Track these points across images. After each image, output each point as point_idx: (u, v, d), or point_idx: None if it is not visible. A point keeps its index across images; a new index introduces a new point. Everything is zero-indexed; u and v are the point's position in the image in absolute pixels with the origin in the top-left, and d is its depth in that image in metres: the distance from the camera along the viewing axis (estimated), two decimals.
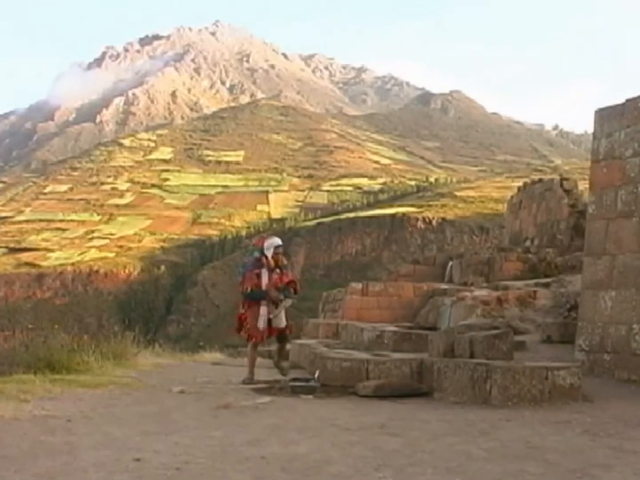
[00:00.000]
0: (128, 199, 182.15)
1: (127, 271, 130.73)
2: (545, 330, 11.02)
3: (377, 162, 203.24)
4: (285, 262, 9.00)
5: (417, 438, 5.26)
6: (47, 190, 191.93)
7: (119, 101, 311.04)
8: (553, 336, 10.71)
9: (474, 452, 4.83)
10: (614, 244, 8.70)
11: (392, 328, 11.97)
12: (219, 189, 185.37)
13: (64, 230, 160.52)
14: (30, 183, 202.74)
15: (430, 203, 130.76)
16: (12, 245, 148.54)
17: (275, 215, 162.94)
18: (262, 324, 8.69)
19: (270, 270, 8.74)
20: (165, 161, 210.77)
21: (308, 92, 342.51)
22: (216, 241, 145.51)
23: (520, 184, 25.85)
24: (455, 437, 5.32)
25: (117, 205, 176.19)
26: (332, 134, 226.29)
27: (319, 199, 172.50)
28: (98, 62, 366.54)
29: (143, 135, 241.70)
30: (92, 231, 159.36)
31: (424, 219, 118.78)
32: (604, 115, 9.16)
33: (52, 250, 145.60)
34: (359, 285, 17.33)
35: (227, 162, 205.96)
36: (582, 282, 9.33)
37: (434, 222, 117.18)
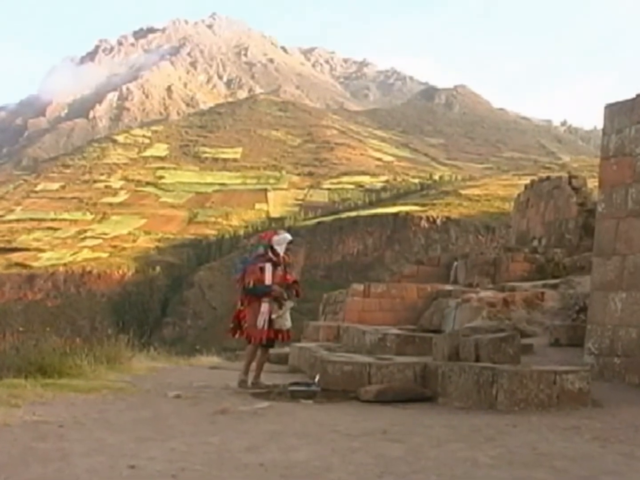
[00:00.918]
0: (122, 197, 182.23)
1: (121, 272, 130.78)
2: (553, 333, 11.02)
3: (379, 159, 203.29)
4: (291, 260, 8.64)
5: (421, 444, 5.26)
6: (38, 188, 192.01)
7: (112, 96, 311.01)
8: (561, 339, 10.71)
9: (479, 459, 4.83)
10: (625, 243, 8.69)
11: (395, 331, 11.96)
12: (216, 187, 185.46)
13: (55, 229, 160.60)
14: (20, 181, 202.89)
15: (434, 201, 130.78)
16: (2, 245, 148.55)
17: (274, 214, 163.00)
18: (262, 322, 8.20)
19: (275, 266, 8.31)
20: (160, 158, 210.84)
21: (308, 87, 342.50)
22: (213, 241, 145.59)
23: (528, 181, 25.83)
24: (460, 443, 5.32)
25: (110, 204, 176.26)
26: (332, 130, 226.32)
27: (320, 197, 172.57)
28: (91, 56, 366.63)
29: (137, 131, 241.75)
30: (85, 231, 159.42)
31: (427, 218, 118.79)
32: (614, 111, 9.16)
33: (43, 251, 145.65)
34: (361, 287, 17.32)
35: (225, 159, 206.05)
36: (592, 283, 9.33)
37: (438, 222, 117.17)
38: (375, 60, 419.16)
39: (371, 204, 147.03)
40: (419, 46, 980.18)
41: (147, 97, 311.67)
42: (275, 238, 8.44)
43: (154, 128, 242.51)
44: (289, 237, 8.59)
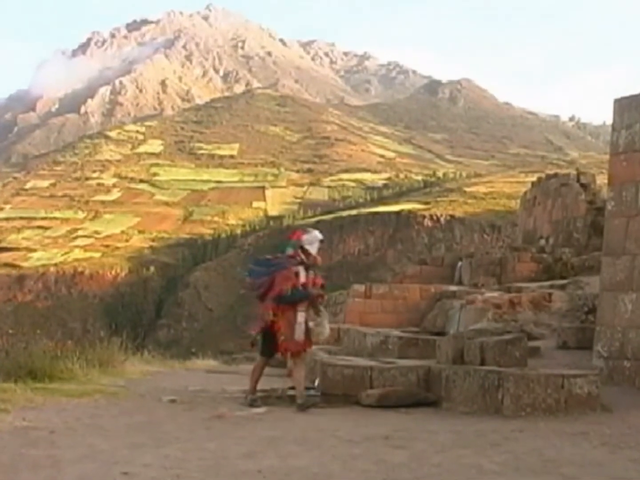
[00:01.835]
0: (115, 195, 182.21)
1: (113, 272, 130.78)
2: (561, 335, 11.03)
3: (381, 155, 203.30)
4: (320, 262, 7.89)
5: (424, 450, 5.26)
6: (28, 186, 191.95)
7: (105, 91, 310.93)
8: (569, 342, 10.71)
9: (484, 466, 4.84)
10: (635, 242, 8.69)
11: (398, 333, 11.96)
12: (212, 185, 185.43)
13: (46, 228, 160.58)
14: (10, 178, 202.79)
15: (438, 199, 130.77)
16: None
17: (272, 212, 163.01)
18: (300, 333, 7.49)
19: (307, 269, 7.64)
20: (154, 155, 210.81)
21: (307, 81, 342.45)
22: (209, 240, 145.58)
23: (534, 178, 25.87)
24: (465, 449, 5.32)
25: (103, 202, 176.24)
26: (333, 125, 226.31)
27: (319, 195, 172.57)
28: (83, 48, 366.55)
29: (131, 127, 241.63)
30: (77, 230, 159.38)
31: (431, 216, 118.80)
32: (624, 105, 9.15)
33: (33, 250, 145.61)
34: (362, 287, 17.32)
35: (221, 156, 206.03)
36: (601, 283, 9.33)
37: (442, 220, 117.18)
38: (376, 53, 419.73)
39: (373, 202, 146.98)
40: (422, 38, 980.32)
41: (140, 91, 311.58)
42: (306, 237, 7.79)
43: (147, 123, 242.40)
44: (319, 235, 7.96)
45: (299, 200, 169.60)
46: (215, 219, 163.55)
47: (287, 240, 7.99)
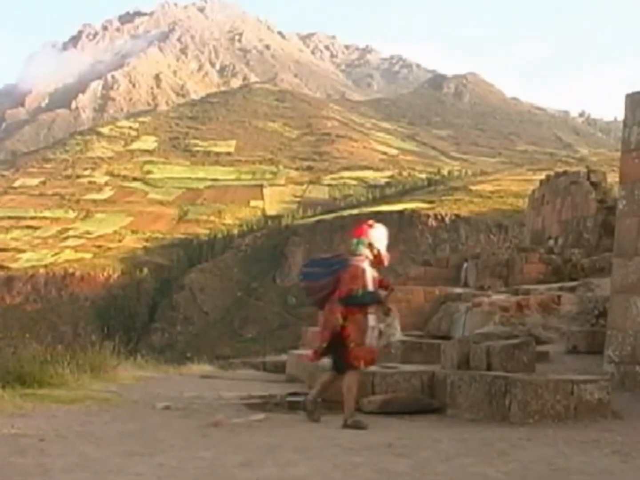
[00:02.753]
0: (107, 193, 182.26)
1: (105, 274, 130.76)
2: (570, 339, 11.03)
3: (383, 152, 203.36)
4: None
5: (428, 459, 5.26)
6: (16, 184, 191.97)
7: (96, 85, 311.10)
8: (579, 346, 10.71)
9: (491, 475, 4.84)
10: None
11: (400, 337, 11.96)
12: (208, 183, 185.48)
13: (35, 228, 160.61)
14: None
15: (443, 198, 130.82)
16: None
17: (271, 211, 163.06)
18: (373, 339, 6.99)
19: (372, 268, 7.13)
20: (148, 152, 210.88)
21: (307, 75, 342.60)
22: (205, 240, 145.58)
23: (543, 176, 25.89)
24: (471, 458, 5.32)
25: (94, 201, 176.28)
26: (333, 121, 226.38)
27: (319, 193, 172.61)
28: (74, 41, 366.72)
29: (124, 122, 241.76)
30: (67, 229, 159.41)
31: (435, 215, 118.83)
32: (636, 101, 9.15)
33: (22, 251, 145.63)
34: None
35: (217, 153, 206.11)
36: (612, 285, 9.33)
37: (446, 220, 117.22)
38: (379, 47, 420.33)
39: (375, 201, 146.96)
40: (426, 31, 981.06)
41: (134, 86, 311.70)
42: (373, 232, 7.27)
43: (141, 119, 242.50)
44: (385, 230, 7.45)
45: (298, 199, 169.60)
46: (211, 218, 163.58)
47: (358, 237, 7.27)
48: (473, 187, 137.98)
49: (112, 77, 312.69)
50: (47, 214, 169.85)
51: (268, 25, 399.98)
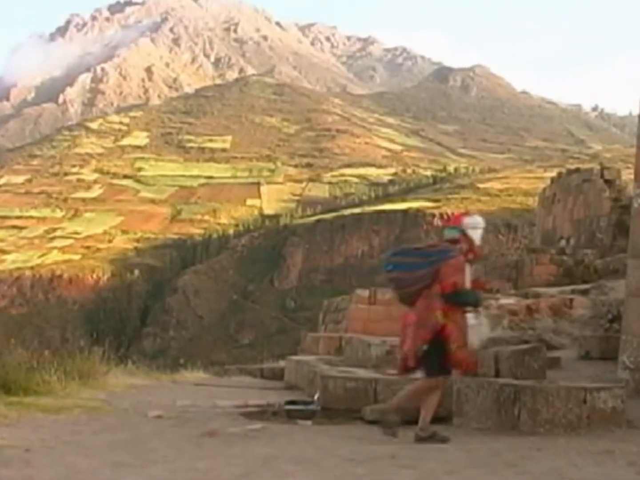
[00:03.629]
0: (96, 192, 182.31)
1: (95, 276, 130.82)
2: (583, 344, 11.03)
3: (386, 148, 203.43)
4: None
5: (433, 470, 5.25)
6: (1, 182, 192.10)
7: (85, 78, 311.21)
8: (592, 352, 10.71)
9: None
10: None
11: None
12: (203, 181, 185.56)
13: (21, 228, 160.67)
14: None
15: (449, 197, 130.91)
16: None
17: (268, 210, 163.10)
18: (474, 340, 6.63)
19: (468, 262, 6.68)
20: (139, 148, 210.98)
21: (306, 68, 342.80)
22: (199, 241, 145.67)
23: (554, 174, 25.92)
24: (478, 469, 5.32)
25: (83, 200, 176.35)
26: (334, 116, 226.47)
27: (319, 192, 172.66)
28: (61, 32, 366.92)
29: (114, 117, 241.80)
30: (54, 229, 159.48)
31: (441, 215, 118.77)
32: None
33: (7, 252, 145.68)
34: (366, 293, 17.33)
35: (212, 149, 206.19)
36: (627, 288, 9.32)
37: None
38: (382, 37, 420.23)
39: (377, 200, 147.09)
40: (431, 21, 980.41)
41: (124, 78, 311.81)
42: (468, 221, 6.79)
43: (132, 114, 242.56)
44: (482, 221, 6.95)
45: (297, 198, 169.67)
46: (206, 218, 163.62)
47: (451, 226, 6.91)
48: (481, 185, 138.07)
49: (102, 69, 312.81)
50: (33, 213, 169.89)
51: (265, 14, 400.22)
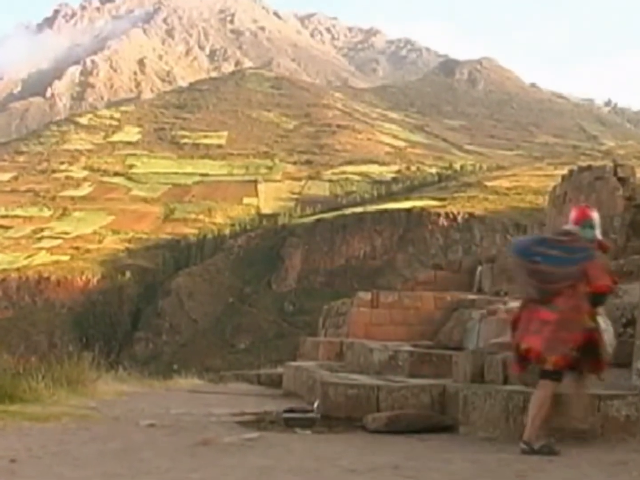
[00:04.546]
0: (86, 190, 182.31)
1: (84, 278, 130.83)
2: None
3: (389, 145, 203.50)
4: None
5: None
6: None
7: (74, 71, 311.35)
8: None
9: None
10: None
11: (409, 348, 11.98)
12: (197, 178, 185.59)
13: (7, 228, 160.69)
14: None
15: (455, 195, 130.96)
16: None
17: (266, 209, 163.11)
18: (608, 346, 6.57)
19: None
20: (131, 144, 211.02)
21: (305, 60, 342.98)
22: (193, 242, 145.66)
23: (565, 171, 25.87)
24: None
25: (72, 198, 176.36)
26: (334, 110, 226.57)
27: (319, 190, 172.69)
28: (49, 22, 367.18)
29: (104, 112, 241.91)
30: (42, 229, 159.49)
31: (447, 214, 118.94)
32: None
33: None
34: (368, 296, 17.33)
35: (207, 146, 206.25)
36: None
37: (459, 219, 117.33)
38: (384, 28, 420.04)
39: (380, 198, 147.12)
40: (436, 11, 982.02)
41: (115, 71, 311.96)
42: (596, 215, 6.59)
43: (123, 108, 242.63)
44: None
45: (296, 196, 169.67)
46: (201, 217, 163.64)
47: (585, 219, 6.60)
48: (488, 183, 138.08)
49: (92, 61, 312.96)
50: (19, 212, 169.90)
51: (263, 4, 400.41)
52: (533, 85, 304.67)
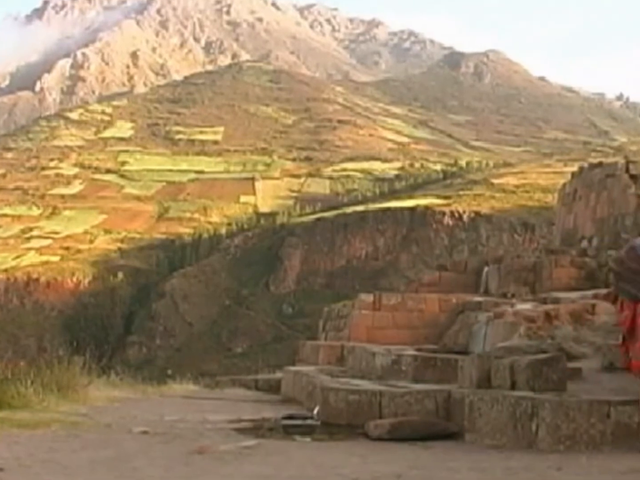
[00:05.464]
0: (76, 187, 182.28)
1: (75, 280, 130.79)
2: (606, 354, 11.01)
3: (392, 140, 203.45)
4: None
5: None
6: None
7: (64, 64, 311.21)
8: (616, 362, 10.67)
9: None
10: None
11: (412, 352, 11.99)
12: (192, 176, 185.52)
13: None
14: None
15: (461, 193, 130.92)
16: None
17: (264, 208, 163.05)
18: None
19: None
20: (123, 140, 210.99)
21: (305, 53, 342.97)
22: (188, 241, 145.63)
23: (575, 168, 25.92)
24: None
25: (62, 196, 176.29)
26: (335, 105, 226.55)
27: (319, 187, 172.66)
28: (38, 13, 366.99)
29: (95, 106, 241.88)
30: (31, 229, 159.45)
31: (452, 213, 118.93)
32: None
33: None
34: (370, 298, 17.36)
35: (202, 142, 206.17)
36: None
37: (465, 217, 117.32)
38: (387, 20, 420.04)
39: (383, 196, 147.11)
40: (441, 2, 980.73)
41: (107, 64, 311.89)
42: None
43: (115, 103, 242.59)
44: None
45: (295, 194, 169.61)
46: (196, 216, 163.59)
47: None
48: (495, 181, 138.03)
49: (82, 54, 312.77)
50: (7, 210, 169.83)
51: None
52: (542, 78, 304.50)
